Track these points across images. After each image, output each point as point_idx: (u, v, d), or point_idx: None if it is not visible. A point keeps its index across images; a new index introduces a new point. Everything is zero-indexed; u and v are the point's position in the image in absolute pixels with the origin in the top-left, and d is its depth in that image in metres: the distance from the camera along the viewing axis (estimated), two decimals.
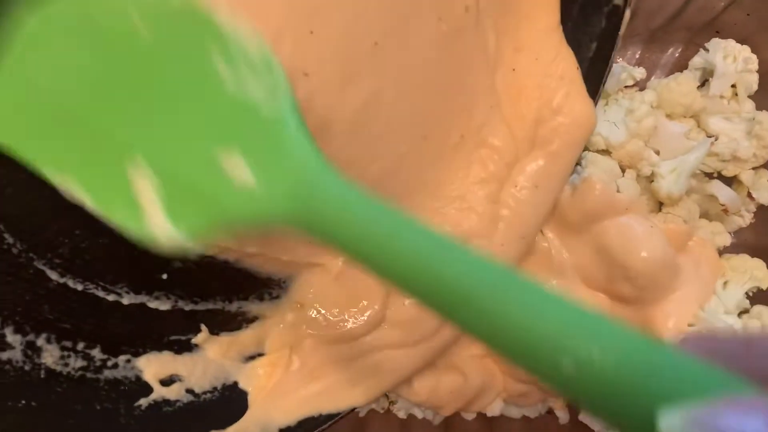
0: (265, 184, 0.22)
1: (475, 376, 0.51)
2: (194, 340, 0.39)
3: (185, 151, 0.23)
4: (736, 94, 0.53)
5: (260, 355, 0.43)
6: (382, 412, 0.58)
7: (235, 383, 0.42)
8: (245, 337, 0.42)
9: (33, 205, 0.30)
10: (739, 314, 0.51)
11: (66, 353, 0.35)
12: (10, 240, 0.31)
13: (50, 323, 0.34)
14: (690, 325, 0.49)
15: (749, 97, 0.53)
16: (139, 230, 0.23)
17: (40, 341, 0.33)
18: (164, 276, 0.36)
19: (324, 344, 0.42)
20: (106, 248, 0.33)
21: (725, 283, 0.52)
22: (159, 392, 0.38)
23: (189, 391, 0.40)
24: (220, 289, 0.39)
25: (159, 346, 0.38)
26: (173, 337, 0.39)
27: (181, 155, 0.23)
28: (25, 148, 0.24)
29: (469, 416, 0.57)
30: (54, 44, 0.23)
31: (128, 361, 0.37)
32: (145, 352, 0.38)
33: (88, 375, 0.36)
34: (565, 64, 0.41)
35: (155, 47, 0.23)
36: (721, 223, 0.55)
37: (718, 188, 0.53)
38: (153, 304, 0.37)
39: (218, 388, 0.41)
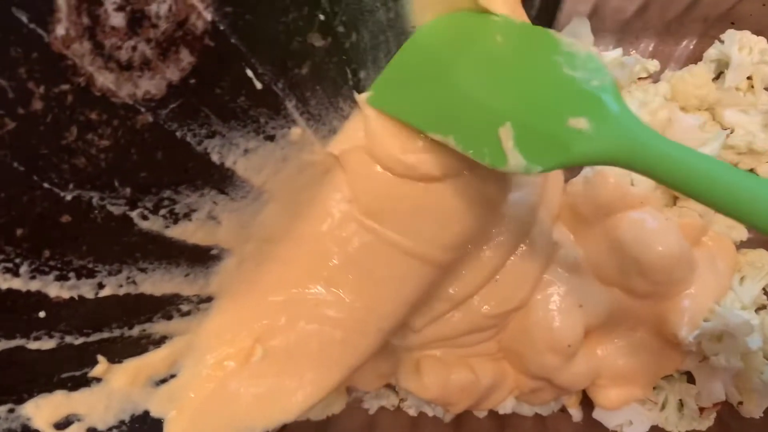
0: (597, 132, 0.28)
1: (486, 374, 0.50)
2: (91, 374, 0.33)
3: (540, 114, 0.30)
4: (752, 86, 0.52)
5: (173, 377, 0.36)
6: (392, 409, 0.57)
7: (146, 412, 0.36)
8: (155, 358, 0.35)
9: None
10: (757, 310, 0.51)
11: None
12: None
13: None
14: (705, 320, 0.48)
15: (765, 88, 0.53)
16: (502, 167, 0.30)
17: None
18: (41, 314, 0.29)
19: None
20: None
21: (742, 278, 0.52)
22: None
23: (91, 430, 0.34)
24: (115, 316, 0.32)
25: (48, 387, 0.32)
26: (65, 375, 0.32)
27: (538, 116, 0.30)
28: (422, 121, 0.33)
29: (481, 414, 0.56)
30: (439, 48, 0.34)
31: (11, 410, 0.31)
32: (31, 397, 0.31)
33: None
34: None
35: (510, 48, 0.33)
36: None
37: None
38: (33, 346, 0.30)
39: (126, 421, 0.35)
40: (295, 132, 0.32)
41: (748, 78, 0.53)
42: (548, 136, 0.30)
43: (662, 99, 0.50)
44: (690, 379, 0.55)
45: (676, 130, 0.50)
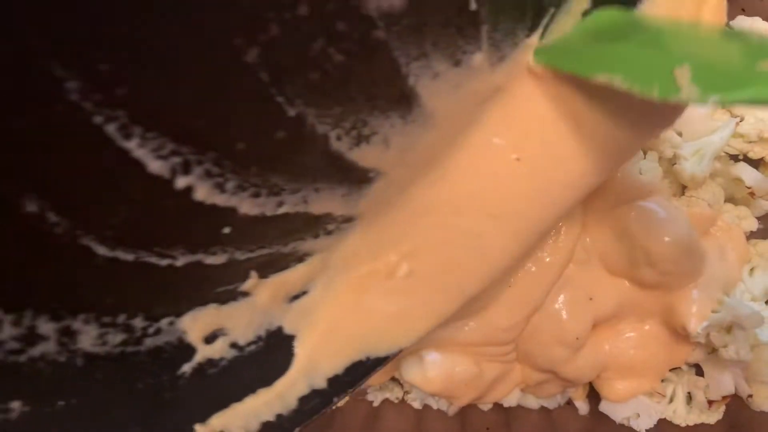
0: None
1: (490, 367, 0.49)
2: (242, 288, 0.32)
3: (723, 57, 0.29)
4: None
5: (304, 293, 0.36)
6: (396, 402, 0.56)
7: (280, 328, 0.36)
8: (296, 275, 0.35)
9: (85, 174, 0.21)
10: (767, 302, 0.50)
11: (105, 330, 0.27)
12: (54, 219, 0.21)
13: (90, 302, 0.25)
14: (714, 311, 0.47)
15: None
16: (674, 95, 0.28)
17: (77, 324, 0.25)
18: (226, 230, 0.27)
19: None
20: (167, 210, 0.24)
21: (752, 269, 0.51)
22: (203, 352, 0.32)
23: (233, 345, 0.33)
24: (280, 233, 0.31)
25: (204, 300, 0.31)
26: (220, 289, 0.31)
27: (719, 58, 0.29)
28: (586, 68, 0.31)
29: (486, 407, 0.55)
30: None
31: (171, 323, 0.30)
32: (189, 310, 0.31)
33: (129, 349, 0.28)
34: None
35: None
36: (747, 207, 0.53)
37: (743, 171, 0.52)
38: (209, 261, 0.29)
39: (262, 336, 0.35)
40: (477, 58, 0.31)
41: None
42: (732, 74, 0.29)
43: None
44: (699, 371, 0.54)
45: (684, 118, 0.48)
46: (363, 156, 0.30)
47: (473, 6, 0.28)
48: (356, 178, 0.32)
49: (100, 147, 0.19)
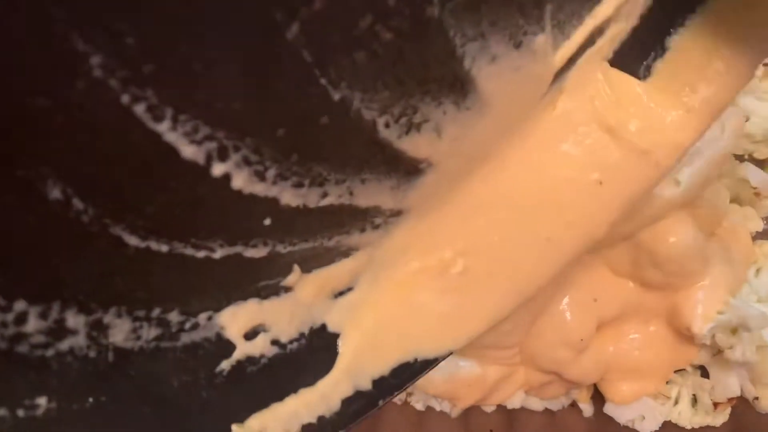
0: None
1: (493, 368, 0.48)
2: (284, 282, 0.31)
3: None
4: None
5: (349, 290, 0.34)
6: (399, 403, 0.55)
7: (323, 326, 0.34)
8: (341, 270, 0.33)
9: (113, 159, 0.19)
10: None
11: (138, 324, 0.25)
12: (80, 206, 0.19)
13: (122, 295, 0.24)
14: (720, 313, 0.47)
15: None
16: None
17: (108, 317, 0.24)
18: (267, 221, 0.26)
19: None
20: (204, 199, 0.23)
21: (758, 270, 0.51)
22: (242, 349, 0.30)
23: (275, 342, 0.32)
24: (324, 226, 0.30)
25: (244, 295, 0.30)
26: (261, 283, 0.30)
27: None
28: None
29: (489, 408, 0.54)
30: None
31: (209, 318, 0.29)
32: (228, 305, 0.29)
33: (163, 344, 0.27)
34: None
35: None
36: (753, 208, 0.53)
37: (749, 171, 0.51)
38: (249, 253, 0.27)
39: (305, 333, 0.33)
40: (539, 40, 0.29)
41: (765, 65, 0.51)
42: None
43: None
44: (704, 373, 0.54)
45: None
46: (413, 145, 0.28)
47: None
48: (406, 169, 0.30)
49: (128, 129, 0.18)
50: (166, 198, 0.21)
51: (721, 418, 0.53)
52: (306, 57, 0.21)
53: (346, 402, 0.34)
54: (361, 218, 0.31)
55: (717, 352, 0.50)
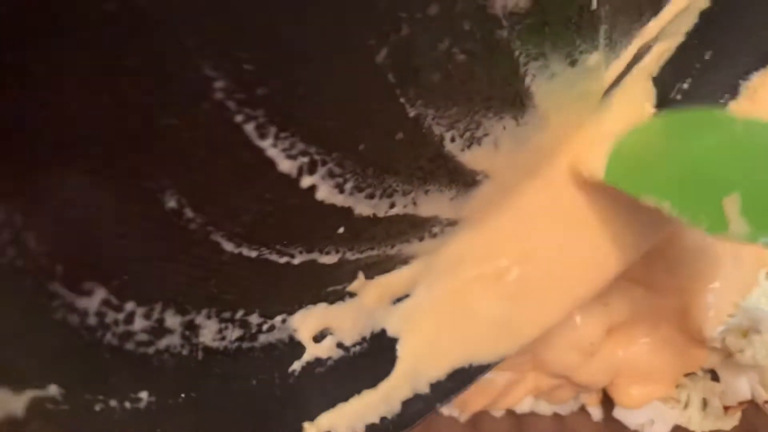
0: None
1: (501, 371, 0.48)
2: (349, 288, 0.32)
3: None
4: None
5: (407, 296, 0.36)
6: None
7: (383, 330, 0.36)
8: (401, 277, 0.35)
9: (223, 171, 0.21)
10: None
11: (224, 325, 0.27)
12: (190, 215, 0.21)
13: (213, 297, 0.26)
14: (730, 316, 0.46)
15: None
16: (722, 232, 0.28)
17: (200, 318, 0.26)
18: (341, 230, 0.28)
19: None
20: (291, 208, 0.25)
21: None
22: (312, 351, 0.32)
23: (339, 345, 0.34)
24: (389, 235, 0.31)
25: (314, 299, 0.32)
26: (330, 288, 0.32)
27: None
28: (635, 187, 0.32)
29: (498, 413, 0.53)
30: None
31: (284, 321, 0.30)
32: (300, 308, 0.31)
33: (244, 345, 0.29)
34: None
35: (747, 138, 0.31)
36: None
37: None
38: (322, 260, 0.29)
39: (367, 337, 0.35)
40: (593, 58, 0.30)
41: None
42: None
43: None
44: (714, 377, 0.52)
45: None
46: (473, 158, 0.30)
47: (594, 5, 0.27)
48: (465, 180, 0.32)
49: (239, 145, 0.20)
50: (261, 207, 0.23)
51: (731, 421, 0.52)
52: (390, 78, 0.22)
53: (406, 404, 0.35)
54: (421, 227, 0.33)
55: (727, 355, 0.49)
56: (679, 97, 0.37)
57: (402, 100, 0.24)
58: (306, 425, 0.31)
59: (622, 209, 0.34)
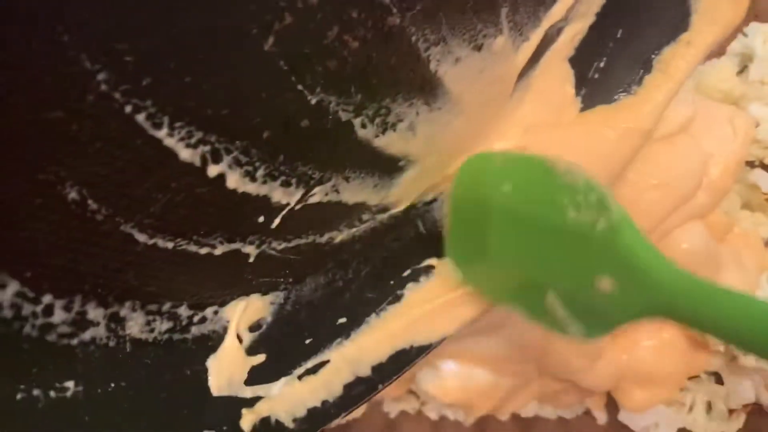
0: (624, 290, 0.26)
1: (507, 376, 0.48)
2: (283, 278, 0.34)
3: (572, 279, 0.28)
4: None
5: None
6: (413, 413, 0.55)
7: None
8: None
9: (121, 162, 0.22)
10: None
11: (151, 317, 0.28)
12: (94, 206, 0.22)
13: (135, 289, 0.27)
14: None
15: None
16: (566, 333, 0.29)
17: (124, 311, 0.27)
18: (260, 219, 0.29)
19: None
20: (202, 198, 0.26)
21: None
22: (248, 341, 0.33)
23: None
24: (313, 223, 0.33)
25: (247, 290, 0.33)
26: (262, 279, 0.32)
27: (570, 282, 0.28)
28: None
29: (503, 417, 0.54)
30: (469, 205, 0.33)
31: (216, 312, 0.31)
32: (232, 299, 0.32)
33: (175, 337, 0.30)
34: None
35: (520, 200, 0.30)
36: (764, 214, 0.53)
37: (760, 177, 0.51)
38: (246, 250, 0.30)
39: None
40: (499, 42, 0.32)
41: None
42: (587, 302, 0.28)
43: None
44: (718, 380, 0.53)
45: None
46: (390, 143, 0.31)
47: None
48: (386, 166, 0.33)
49: (132, 136, 0.21)
50: (168, 197, 0.24)
51: (735, 424, 0.52)
52: (282, 66, 0.24)
53: (348, 387, 0.36)
54: (349, 215, 0.34)
55: (731, 358, 0.50)
56: (597, 75, 0.38)
57: (299, 87, 0.25)
58: (244, 411, 0.32)
59: None
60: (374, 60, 0.26)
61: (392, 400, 0.55)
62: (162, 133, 0.22)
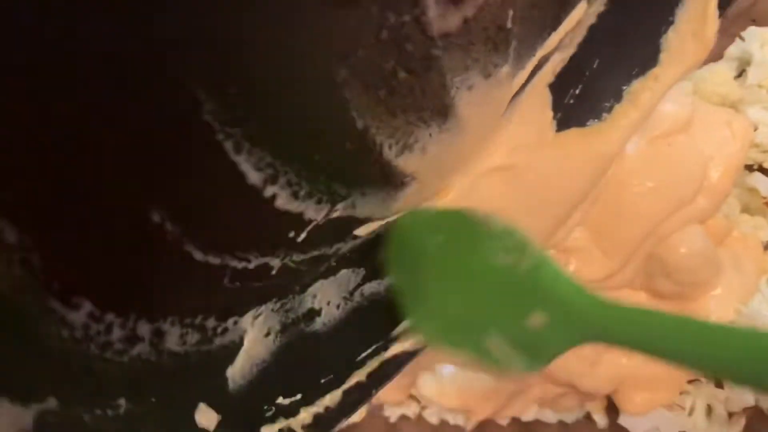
0: (555, 322, 0.29)
1: (506, 380, 0.49)
2: (296, 288, 0.35)
3: (507, 317, 0.31)
4: None
5: None
6: (413, 417, 0.56)
7: None
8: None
9: (200, 184, 0.23)
10: None
11: (185, 330, 0.29)
12: (170, 228, 0.23)
13: (178, 304, 0.27)
14: (732, 322, 0.47)
15: None
16: (512, 369, 0.31)
17: (166, 325, 0.27)
18: (291, 234, 0.30)
19: None
20: (254, 216, 0.27)
21: None
22: (260, 350, 0.34)
23: None
24: (332, 236, 0.34)
25: (263, 300, 0.34)
26: (277, 289, 0.34)
27: (510, 323, 0.31)
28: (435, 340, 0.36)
29: (503, 421, 0.55)
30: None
31: (235, 323, 0.32)
32: (249, 310, 0.33)
33: (203, 348, 0.30)
34: None
35: (453, 250, 0.34)
36: (764, 218, 0.53)
37: (759, 181, 0.52)
38: (272, 263, 0.31)
39: None
40: (504, 70, 0.34)
41: None
42: (525, 337, 0.30)
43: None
44: (718, 383, 0.53)
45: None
46: (406, 163, 0.33)
47: (509, 24, 0.31)
48: (394, 183, 0.35)
49: (218, 161, 0.22)
50: (230, 217, 0.25)
51: (735, 428, 0.52)
52: (346, 94, 0.25)
53: (347, 393, 0.38)
54: (356, 227, 0.35)
55: None
56: (572, 101, 0.41)
57: (353, 114, 0.26)
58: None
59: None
60: (414, 88, 0.28)
61: (393, 404, 0.55)
62: (241, 158, 0.23)
